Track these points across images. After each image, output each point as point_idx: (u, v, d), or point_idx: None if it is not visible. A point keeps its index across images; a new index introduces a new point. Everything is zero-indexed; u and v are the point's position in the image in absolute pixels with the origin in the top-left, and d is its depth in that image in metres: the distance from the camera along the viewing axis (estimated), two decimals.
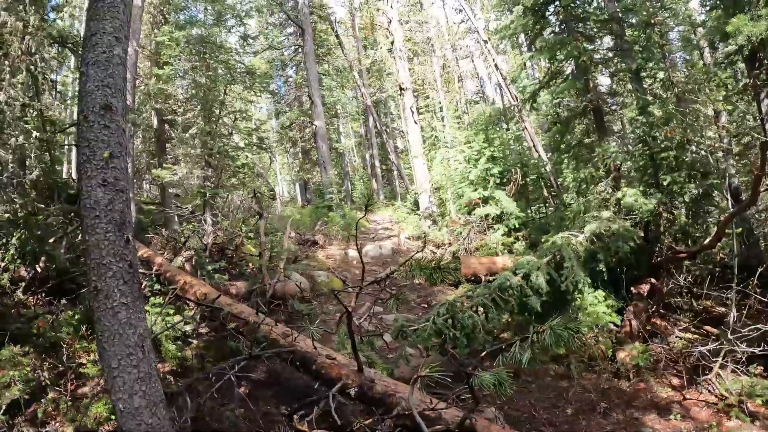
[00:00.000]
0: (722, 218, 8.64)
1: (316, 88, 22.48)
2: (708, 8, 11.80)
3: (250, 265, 11.76)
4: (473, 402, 3.57)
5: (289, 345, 5.94)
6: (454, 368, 6.37)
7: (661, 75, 13.44)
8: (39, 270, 7.58)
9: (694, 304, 9.38)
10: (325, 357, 5.56)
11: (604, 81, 15.03)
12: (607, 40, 13.48)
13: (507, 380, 3.21)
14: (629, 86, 14.00)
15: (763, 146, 6.60)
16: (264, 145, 17.30)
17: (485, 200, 14.66)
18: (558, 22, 13.21)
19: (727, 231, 8.63)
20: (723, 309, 8.98)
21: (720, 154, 11.98)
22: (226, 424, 5.18)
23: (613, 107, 13.12)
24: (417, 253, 4.59)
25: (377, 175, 31.26)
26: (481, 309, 5.34)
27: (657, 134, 10.42)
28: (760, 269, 8.18)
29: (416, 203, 20.17)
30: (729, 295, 8.32)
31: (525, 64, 18.30)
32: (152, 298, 7.81)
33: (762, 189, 7.43)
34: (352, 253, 14.59)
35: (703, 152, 11.18)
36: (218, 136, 13.61)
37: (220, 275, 10.03)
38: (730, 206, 10.26)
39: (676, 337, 8.29)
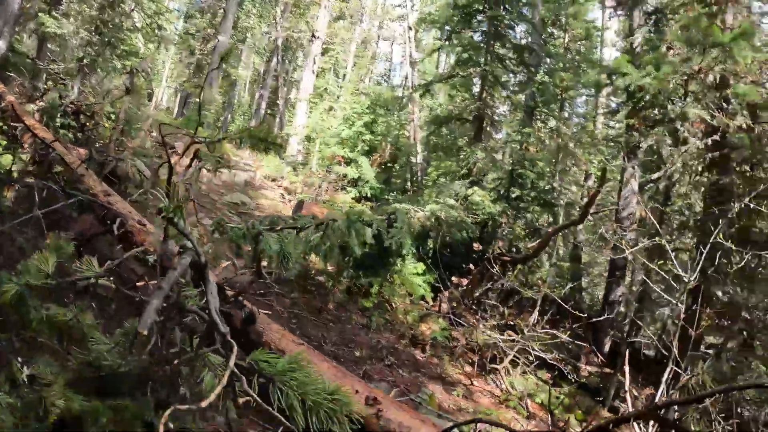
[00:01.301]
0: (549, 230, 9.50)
1: (234, 3, 21.45)
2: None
3: (100, 141, 11.03)
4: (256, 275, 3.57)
5: (106, 202, 5.64)
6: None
7: (552, 123, 14.53)
8: None
9: (504, 310, 10.22)
10: (137, 222, 5.34)
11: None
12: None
13: (293, 253, 3.23)
14: (518, 115, 14.98)
15: (603, 168, 7.34)
16: (160, 35, 16.19)
17: (348, 162, 14.92)
18: (480, 31, 13.72)
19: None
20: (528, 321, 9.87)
21: (569, 194, 13.20)
22: (17, 245, 4.83)
23: (496, 119, 13.88)
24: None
25: (260, 116, 30.42)
26: (299, 234, 5.27)
27: (525, 157, 11.29)
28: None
29: (279, 151, 20.02)
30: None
31: (436, 54, 18.82)
32: None
33: (590, 210, 8.23)
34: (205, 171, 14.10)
35: (556, 186, 12.26)
36: (118, 5, 12.60)
37: (65, 132, 9.32)
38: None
39: (481, 331, 8.97)
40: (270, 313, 6.24)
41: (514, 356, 8.02)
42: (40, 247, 5.09)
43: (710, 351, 9.06)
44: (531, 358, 8.07)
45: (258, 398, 1.82)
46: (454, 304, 9.25)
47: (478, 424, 4.90)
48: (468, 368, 8.01)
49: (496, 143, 14.41)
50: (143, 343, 2.16)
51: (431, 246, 8.74)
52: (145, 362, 3.00)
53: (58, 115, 9.77)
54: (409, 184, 16.40)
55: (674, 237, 9.79)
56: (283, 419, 1.92)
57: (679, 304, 7.27)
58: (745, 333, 9.19)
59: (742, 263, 7.90)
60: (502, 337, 8.44)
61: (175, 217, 2.32)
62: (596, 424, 3.39)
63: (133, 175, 9.00)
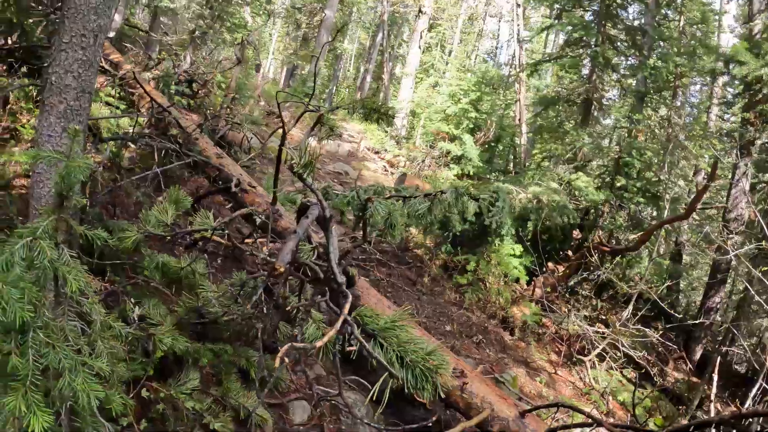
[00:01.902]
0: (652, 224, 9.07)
1: None
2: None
3: (211, 108, 11.64)
4: (363, 238, 3.67)
5: (218, 164, 5.98)
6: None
7: (663, 111, 13.73)
8: (9, 42, 7.26)
9: (598, 302, 9.91)
10: (247, 184, 5.63)
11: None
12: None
13: (399, 221, 3.31)
14: (629, 100, 14.28)
15: (714, 163, 6.89)
16: (268, 9, 16.74)
17: (452, 139, 14.83)
18: (591, 10, 13.14)
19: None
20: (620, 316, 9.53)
21: (677, 188, 12.47)
22: (134, 199, 5.25)
23: (605, 104, 13.30)
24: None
25: (364, 90, 30.79)
26: (405, 202, 5.37)
27: (633, 145, 10.78)
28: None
29: (390, 122, 20.22)
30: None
31: (546, 32, 18.20)
32: (107, 89, 7.73)
33: (697, 207, 7.77)
34: (312, 141, 14.55)
35: (663, 179, 11.63)
36: None
37: (179, 99, 9.90)
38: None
39: (572, 321, 8.77)
40: (368, 279, 6.43)
41: (602, 350, 7.78)
42: (156, 203, 5.53)
43: None
44: (619, 354, 7.80)
45: (367, 345, 1.91)
46: (548, 290, 9.06)
47: (555, 415, 4.85)
48: (554, 356, 7.87)
49: (604, 129, 13.85)
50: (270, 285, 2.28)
51: (530, 228, 8.59)
52: (249, 313, 3.21)
53: (173, 83, 10.37)
54: (511, 165, 16.14)
55: None
56: (390, 369, 2.00)
57: None
58: None
59: None
60: (592, 328, 8.21)
61: (304, 173, 2.44)
62: (677, 426, 3.26)
63: (242, 141, 9.45)
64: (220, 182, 5.93)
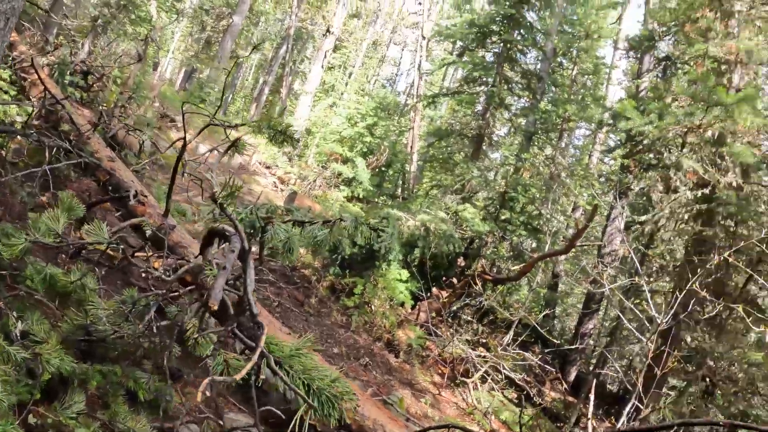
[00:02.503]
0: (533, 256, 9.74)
1: None
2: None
3: (105, 104, 11.03)
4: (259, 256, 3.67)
5: (110, 168, 5.71)
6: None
7: (549, 151, 14.81)
8: None
9: (479, 327, 10.44)
10: (140, 193, 5.42)
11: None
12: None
13: (297, 246, 3.36)
14: (517, 139, 15.27)
15: (595, 205, 7.60)
16: (176, 7, 16.19)
17: (345, 160, 15.06)
18: (492, 52, 13.94)
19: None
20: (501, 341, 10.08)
21: (556, 223, 13.48)
22: (19, 198, 4.89)
23: (495, 140, 14.12)
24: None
25: (260, 102, 30.41)
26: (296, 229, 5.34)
27: (518, 181, 11.55)
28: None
29: (294, 146, 20.06)
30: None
31: (445, 68, 19.02)
32: None
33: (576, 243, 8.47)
34: (203, 148, 14.15)
35: (544, 213, 12.53)
36: None
37: (72, 90, 9.30)
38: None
39: (455, 345, 9.15)
40: (257, 299, 6.37)
41: (485, 372, 8.22)
42: (41, 204, 5.19)
43: (672, 393, 9.35)
44: (500, 376, 8.28)
45: (283, 375, 1.95)
46: (433, 315, 9.42)
47: None
48: (437, 378, 8.19)
49: (492, 163, 14.67)
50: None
51: (417, 255, 8.92)
52: (140, 332, 3.11)
53: (68, 73, 9.75)
54: (400, 190, 16.58)
55: (652, 279, 10.08)
56: (306, 398, 2.06)
57: (649, 344, 7.50)
58: (708, 380, 9.50)
59: (714, 313, 8.18)
60: (474, 352, 8.64)
61: (226, 203, 2.44)
62: None
63: (135, 145, 9.04)
64: (110, 187, 5.66)
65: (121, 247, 3.55)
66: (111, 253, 4.56)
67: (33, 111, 7.35)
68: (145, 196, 5.44)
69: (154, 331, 3.11)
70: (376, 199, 15.36)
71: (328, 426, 2.27)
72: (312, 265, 8.62)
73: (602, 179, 14.15)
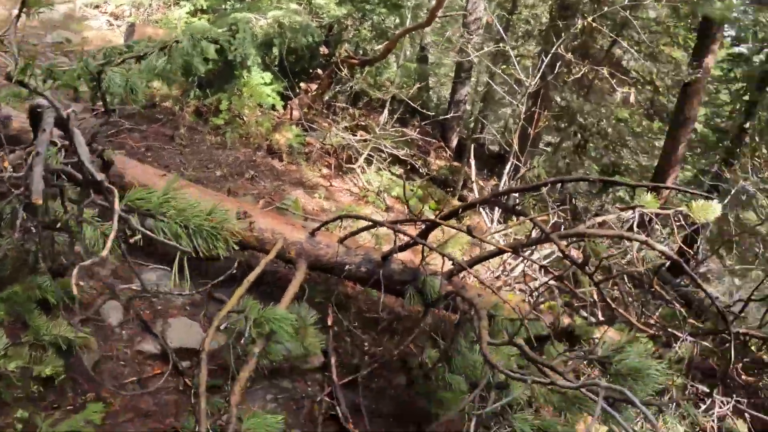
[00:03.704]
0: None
1: None
2: None
3: None
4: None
5: None
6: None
7: None
8: None
9: (355, 112, 10.60)
10: None
11: None
12: None
13: (139, 85, 3.13)
14: None
15: None
16: None
17: None
18: None
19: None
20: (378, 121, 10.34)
21: None
22: None
23: None
24: None
25: None
26: (135, 63, 4.85)
27: None
28: None
29: None
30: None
31: None
32: None
33: (438, 14, 8.42)
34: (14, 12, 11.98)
35: None
36: None
37: None
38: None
39: (334, 134, 9.30)
40: (124, 151, 6.04)
41: (368, 155, 8.57)
42: None
43: (548, 149, 10.30)
44: (384, 156, 8.68)
45: (148, 232, 1.97)
46: (305, 110, 9.38)
47: (343, 224, 5.44)
48: (326, 170, 8.46)
49: None
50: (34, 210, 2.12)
51: (276, 54, 8.52)
52: (20, 239, 2.92)
53: None
54: None
55: (518, 44, 10.36)
56: (177, 245, 2.10)
57: (520, 106, 7.99)
58: (579, 135, 10.50)
59: (580, 74, 8.70)
60: (354, 137, 8.89)
61: (25, 77, 2.16)
62: (448, 211, 3.95)
63: None
64: None
65: None
66: None
67: None
68: None
69: (34, 231, 2.94)
70: (223, 6, 13.98)
71: (225, 253, 2.37)
72: (171, 95, 8.09)
73: None
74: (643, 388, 2.41)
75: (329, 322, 4.18)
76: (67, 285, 2.74)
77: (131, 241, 2.03)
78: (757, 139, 11.07)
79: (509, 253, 3.99)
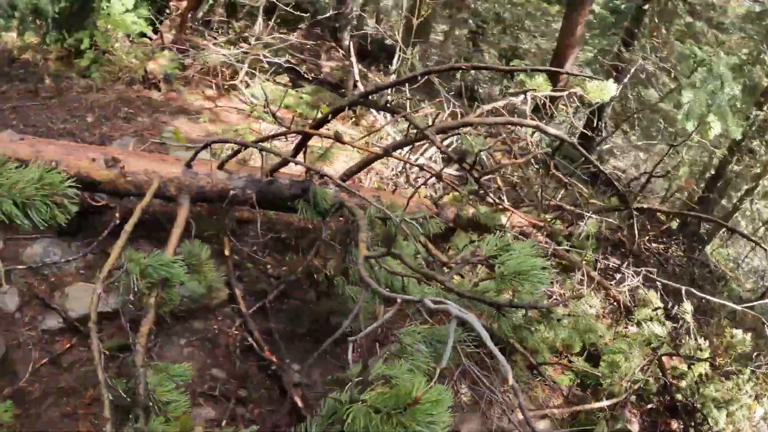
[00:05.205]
0: None
1: None
2: None
3: None
4: None
5: None
6: None
7: None
8: None
9: (235, 24, 9.92)
10: None
11: None
12: None
13: None
14: None
15: None
16: None
17: None
18: None
19: None
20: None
21: None
22: None
23: None
24: None
25: None
26: None
27: None
28: None
29: None
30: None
31: None
32: None
33: None
34: None
35: None
36: None
37: None
38: None
39: (212, 52, 8.69)
40: None
41: (250, 68, 8.13)
42: None
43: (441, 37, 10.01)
44: (265, 67, 8.25)
45: None
46: (177, 32, 8.70)
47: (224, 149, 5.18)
48: (209, 92, 7.98)
49: None
50: None
51: None
52: None
53: None
54: None
55: None
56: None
57: None
58: (472, 21, 10.19)
59: None
60: (230, 51, 8.37)
61: None
62: (320, 119, 3.81)
63: None
64: None
65: None
66: None
67: None
68: None
69: None
70: None
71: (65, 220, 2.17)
72: (28, 45, 7.27)
73: None
74: (529, 288, 2.39)
75: (226, 252, 4.07)
76: None
77: None
78: (656, 20, 11.20)
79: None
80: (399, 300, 1.94)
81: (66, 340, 3.63)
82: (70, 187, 2.20)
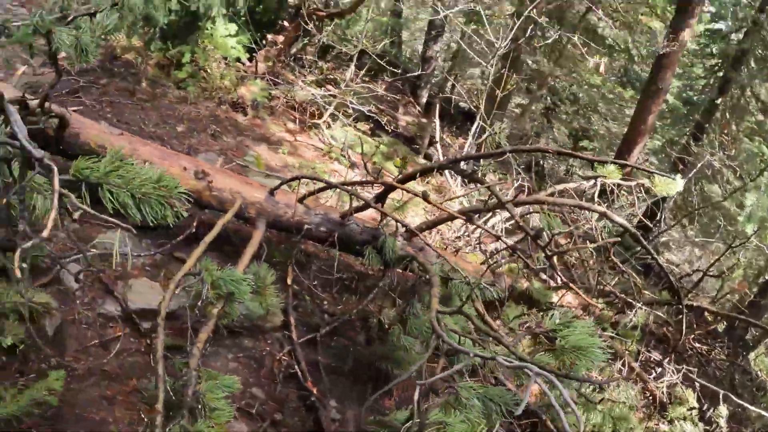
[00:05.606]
0: None
1: None
2: None
3: None
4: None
5: None
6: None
7: None
8: None
9: (323, 65, 10.40)
10: None
11: None
12: None
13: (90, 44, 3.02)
14: None
15: None
16: None
17: None
18: None
19: None
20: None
21: None
22: None
23: None
24: None
25: None
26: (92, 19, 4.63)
27: None
28: None
29: None
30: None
31: None
32: None
33: None
34: None
35: None
36: None
37: None
38: None
39: (300, 88, 9.14)
40: (82, 108, 5.86)
41: (334, 110, 8.48)
42: None
43: (517, 110, 10.27)
44: (349, 111, 8.59)
45: (89, 209, 1.94)
46: (271, 63, 9.18)
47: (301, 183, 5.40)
48: (291, 125, 8.35)
49: None
50: None
51: (242, 5, 8.24)
52: None
53: None
54: None
55: (490, 4, 10.16)
56: (123, 216, 2.09)
57: (490, 67, 7.89)
58: (549, 99, 10.43)
59: (553, 39, 8.57)
60: (320, 92, 8.76)
61: None
62: (406, 174, 3.98)
63: None
64: None
65: None
66: None
67: None
68: None
69: None
70: None
71: (174, 221, 2.35)
72: (132, 47, 7.81)
73: None
74: (586, 364, 2.48)
75: (289, 281, 4.23)
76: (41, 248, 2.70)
77: (77, 214, 2.01)
78: (727, 115, 11.21)
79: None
80: (471, 354, 2.02)
81: (119, 328, 3.78)
82: (181, 193, 2.40)
